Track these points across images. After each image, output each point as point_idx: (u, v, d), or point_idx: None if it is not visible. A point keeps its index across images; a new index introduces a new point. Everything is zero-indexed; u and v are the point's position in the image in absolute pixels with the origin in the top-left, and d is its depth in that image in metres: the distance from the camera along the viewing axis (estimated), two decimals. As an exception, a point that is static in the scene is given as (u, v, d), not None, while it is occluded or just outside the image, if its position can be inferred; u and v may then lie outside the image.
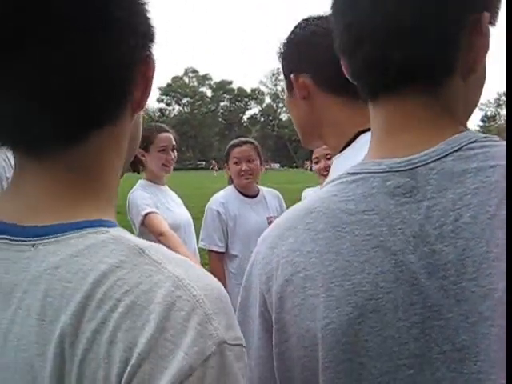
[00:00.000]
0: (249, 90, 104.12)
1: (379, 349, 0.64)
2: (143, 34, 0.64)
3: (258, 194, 3.46)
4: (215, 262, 3.30)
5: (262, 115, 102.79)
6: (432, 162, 0.68)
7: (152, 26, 0.66)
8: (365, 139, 1.27)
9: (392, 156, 0.72)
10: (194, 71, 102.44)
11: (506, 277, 0.60)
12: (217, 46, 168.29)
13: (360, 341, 0.65)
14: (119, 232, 0.60)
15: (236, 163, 3.35)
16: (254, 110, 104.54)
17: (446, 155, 0.68)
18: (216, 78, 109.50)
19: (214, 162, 54.54)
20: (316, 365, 0.68)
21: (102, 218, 0.62)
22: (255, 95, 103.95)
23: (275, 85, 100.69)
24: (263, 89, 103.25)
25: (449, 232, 0.65)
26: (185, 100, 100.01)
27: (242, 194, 3.42)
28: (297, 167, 57.51)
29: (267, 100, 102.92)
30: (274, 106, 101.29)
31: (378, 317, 0.65)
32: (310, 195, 0.80)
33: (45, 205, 0.62)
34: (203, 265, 2.95)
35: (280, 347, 0.72)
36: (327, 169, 3.18)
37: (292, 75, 1.30)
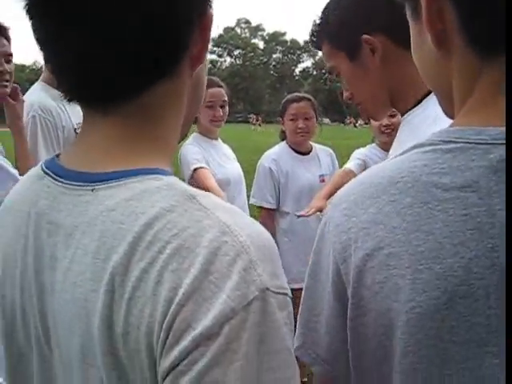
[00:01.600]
0: (302, 42, 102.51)
1: (466, 335, 0.60)
2: None
3: (310, 151, 3.39)
4: (266, 218, 3.27)
5: (314, 68, 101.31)
6: None
7: None
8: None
9: (489, 124, 0.63)
10: (247, 22, 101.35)
11: (506, 277, 0.58)
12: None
13: (446, 326, 0.61)
14: (173, 180, 0.62)
15: (292, 120, 3.25)
16: (307, 63, 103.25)
17: None
18: (269, 29, 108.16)
19: (253, 116, 52.71)
20: (391, 344, 0.65)
21: (158, 167, 0.64)
22: (308, 48, 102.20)
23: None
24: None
25: None
26: (236, 52, 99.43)
27: (295, 150, 3.35)
28: (350, 123, 56.70)
29: (320, 53, 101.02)
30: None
31: (467, 303, 0.60)
32: (390, 161, 0.71)
33: (105, 153, 0.65)
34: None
35: (355, 321, 0.68)
36: (389, 127, 3.08)
37: (364, 36, 1.24)
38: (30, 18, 0.63)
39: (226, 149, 3.29)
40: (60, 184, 0.66)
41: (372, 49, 1.26)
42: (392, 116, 3.02)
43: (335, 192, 2.81)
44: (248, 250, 0.55)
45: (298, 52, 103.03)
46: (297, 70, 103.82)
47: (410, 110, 1.30)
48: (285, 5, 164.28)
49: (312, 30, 1.37)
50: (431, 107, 1.19)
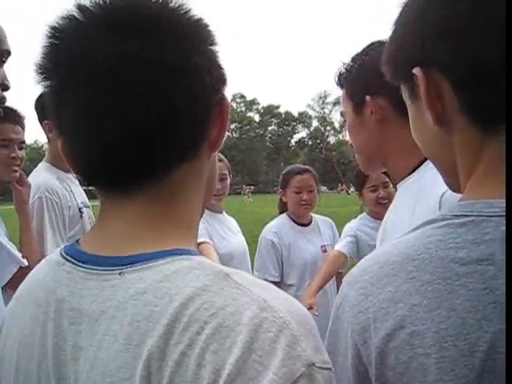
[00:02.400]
0: (296, 114, 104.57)
1: None
2: (218, 78, 0.69)
3: (311, 222, 3.41)
4: None
5: (309, 138, 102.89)
6: None
7: (224, 71, 0.71)
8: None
9: (497, 196, 0.64)
10: (242, 96, 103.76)
11: (506, 277, 0.58)
12: (263, 71, 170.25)
13: None
14: (203, 259, 0.62)
15: (296, 192, 3.28)
16: (302, 133, 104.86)
17: None
18: (263, 102, 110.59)
19: (244, 186, 53.24)
20: None
21: (186, 248, 0.64)
22: (302, 119, 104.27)
23: (322, 108, 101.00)
24: (310, 112, 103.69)
25: None
26: (233, 125, 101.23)
27: (296, 222, 3.36)
28: (342, 190, 57.06)
29: (315, 123, 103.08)
30: (322, 128, 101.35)
31: (494, 376, 0.59)
32: (403, 238, 0.71)
33: (130, 236, 0.65)
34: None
35: None
36: (385, 198, 3.11)
37: (368, 97, 1.31)
38: (56, 109, 0.65)
39: (231, 222, 3.29)
40: (83, 269, 0.64)
41: (371, 110, 1.32)
42: (386, 187, 3.11)
43: (327, 281, 2.79)
44: (290, 326, 0.54)
45: (293, 123, 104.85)
46: (292, 141, 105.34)
47: (406, 176, 1.35)
48: (278, 80, 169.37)
49: (339, 72, 1.43)
50: (428, 174, 1.24)
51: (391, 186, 3.11)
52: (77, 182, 2.72)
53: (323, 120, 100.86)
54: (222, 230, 3.11)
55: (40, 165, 2.74)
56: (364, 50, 1.39)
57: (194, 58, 0.64)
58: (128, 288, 0.59)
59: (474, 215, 0.64)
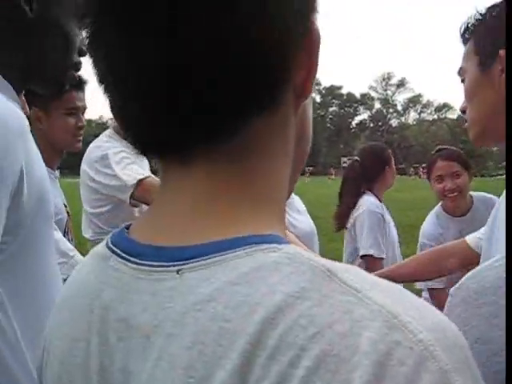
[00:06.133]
0: (358, 95, 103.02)
1: None
2: (301, 3, 0.48)
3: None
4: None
5: (371, 121, 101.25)
6: None
7: None
8: None
9: None
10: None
11: (506, 278, 0.50)
12: (327, 51, 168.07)
13: None
14: (295, 249, 0.43)
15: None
16: (364, 115, 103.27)
17: None
18: (325, 83, 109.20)
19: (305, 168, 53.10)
20: None
21: (269, 232, 0.45)
22: (365, 100, 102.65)
23: (385, 90, 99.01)
24: (373, 94, 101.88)
25: None
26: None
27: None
28: (405, 174, 55.72)
29: (377, 105, 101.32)
30: (384, 111, 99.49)
31: None
32: None
33: (192, 218, 0.47)
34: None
35: None
36: (454, 190, 2.78)
37: (502, 51, 1.15)
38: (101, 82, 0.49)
39: (298, 202, 3.07)
40: (132, 265, 0.47)
41: (502, 68, 1.17)
42: (457, 176, 2.79)
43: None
44: (435, 354, 0.36)
45: (355, 105, 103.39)
46: (353, 123, 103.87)
47: None
48: (340, 60, 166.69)
49: (467, 23, 1.27)
50: None
51: (465, 175, 2.81)
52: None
53: (386, 102, 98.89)
54: (289, 209, 2.88)
55: (103, 134, 2.62)
56: (492, 7, 1.23)
57: None
58: (189, 293, 0.42)
59: None
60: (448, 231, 2.82)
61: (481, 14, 1.24)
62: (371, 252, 2.89)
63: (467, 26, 1.27)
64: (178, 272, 0.43)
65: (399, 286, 0.41)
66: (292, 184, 0.57)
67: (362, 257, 2.95)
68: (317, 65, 0.51)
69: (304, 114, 0.55)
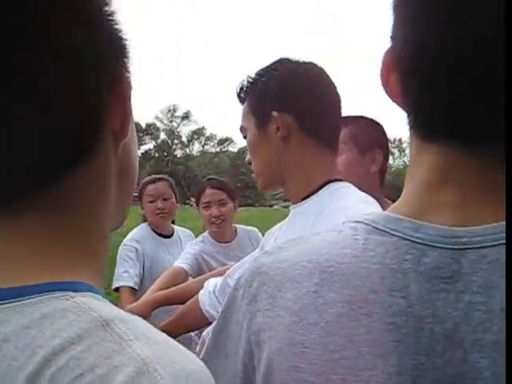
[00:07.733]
0: (144, 125, 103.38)
1: None
2: (111, 51, 0.53)
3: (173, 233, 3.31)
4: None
5: (156, 151, 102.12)
6: (487, 247, 0.52)
7: (123, 40, 0.55)
8: (334, 188, 1.25)
9: (428, 219, 0.55)
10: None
11: (506, 278, 0.51)
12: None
13: None
14: (87, 298, 0.47)
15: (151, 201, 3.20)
16: (149, 145, 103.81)
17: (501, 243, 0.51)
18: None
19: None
20: None
21: (74, 280, 0.49)
22: (150, 130, 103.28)
23: (171, 121, 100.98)
24: (158, 124, 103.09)
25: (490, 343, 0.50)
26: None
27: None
28: (190, 204, 57.29)
29: (162, 136, 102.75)
30: (169, 141, 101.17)
31: None
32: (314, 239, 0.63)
33: (10, 263, 0.50)
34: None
35: None
36: (220, 217, 2.91)
37: (274, 112, 1.27)
38: None
39: None
40: None
41: (278, 126, 1.28)
42: (222, 205, 2.92)
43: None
44: None
45: (140, 134, 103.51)
46: (138, 152, 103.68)
47: (303, 199, 1.30)
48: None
49: (241, 85, 1.38)
50: (326, 200, 1.22)
51: (230, 204, 2.97)
52: None
53: (171, 133, 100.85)
54: None
55: None
56: (272, 64, 1.35)
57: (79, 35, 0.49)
58: None
59: (397, 235, 0.55)
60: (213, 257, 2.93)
61: (252, 78, 1.36)
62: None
63: (242, 88, 1.39)
64: None
65: (169, 338, 0.46)
66: (122, 214, 0.62)
67: None
68: (130, 109, 0.57)
69: (125, 150, 0.59)
